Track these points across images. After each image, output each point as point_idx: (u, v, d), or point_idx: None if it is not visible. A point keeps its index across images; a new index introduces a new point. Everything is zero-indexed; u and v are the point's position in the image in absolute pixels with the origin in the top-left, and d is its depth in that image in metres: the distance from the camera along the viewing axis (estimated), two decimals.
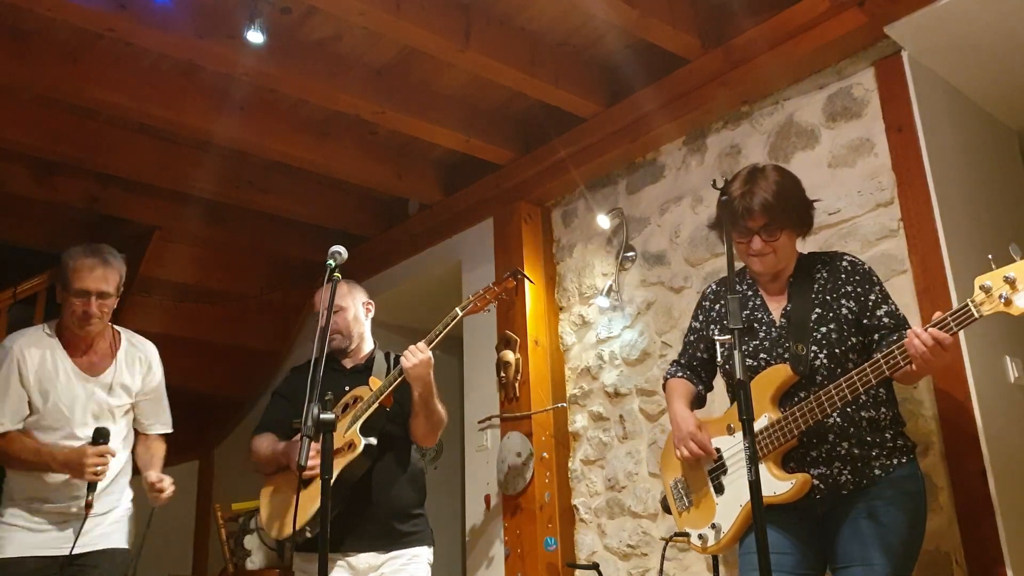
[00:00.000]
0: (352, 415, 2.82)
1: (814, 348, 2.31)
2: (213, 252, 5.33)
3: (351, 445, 2.75)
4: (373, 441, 2.78)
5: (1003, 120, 3.50)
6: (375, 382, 2.90)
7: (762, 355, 2.36)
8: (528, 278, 3.05)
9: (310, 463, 2.65)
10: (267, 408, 3.11)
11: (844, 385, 2.19)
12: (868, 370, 2.16)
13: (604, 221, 4.04)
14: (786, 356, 2.32)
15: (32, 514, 2.70)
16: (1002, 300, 1.99)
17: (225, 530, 4.82)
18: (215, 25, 3.31)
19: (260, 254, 5.46)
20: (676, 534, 2.55)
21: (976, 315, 2.03)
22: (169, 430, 3.04)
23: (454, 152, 4.38)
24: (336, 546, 2.77)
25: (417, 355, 2.78)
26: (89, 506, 2.63)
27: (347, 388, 2.95)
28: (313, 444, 2.67)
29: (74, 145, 4.12)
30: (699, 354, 2.62)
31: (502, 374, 4.13)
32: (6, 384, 2.71)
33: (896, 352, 2.13)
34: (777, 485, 2.24)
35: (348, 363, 3.08)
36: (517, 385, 4.07)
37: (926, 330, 2.06)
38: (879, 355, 2.17)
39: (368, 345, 3.14)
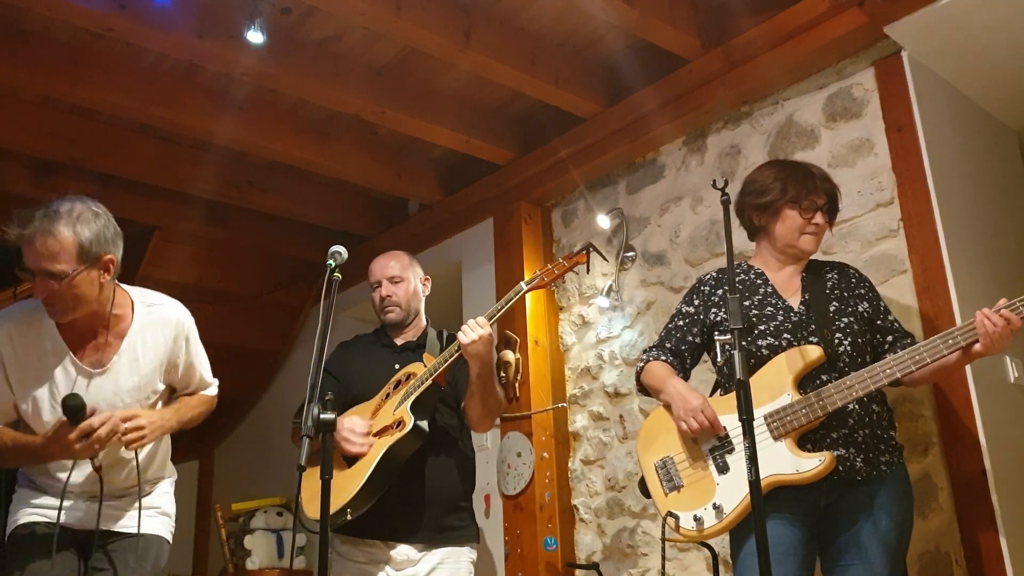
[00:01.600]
0: (404, 392, 2.69)
1: (838, 335, 2.35)
2: (213, 252, 5.32)
3: (400, 423, 2.61)
4: (425, 425, 2.63)
5: (1003, 120, 3.50)
6: (429, 359, 2.76)
7: (785, 335, 2.36)
8: (601, 254, 2.89)
9: (358, 442, 2.62)
10: None
11: (893, 363, 2.22)
12: (923, 349, 2.20)
13: (604, 221, 4.04)
14: (812, 339, 2.33)
15: (48, 494, 2.31)
16: None
17: (225, 530, 4.82)
18: (215, 25, 3.31)
19: (260, 254, 5.46)
20: (669, 514, 2.38)
21: None
22: (211, 388, 2.61)
23: (454, 152, 4.38)
24: (377, 532, 2.66)
25: (476, 330, 2.60)
26: (98, 469, 2.19)
27: (396, 366, 2.82)
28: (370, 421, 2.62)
29: (74, 145, 4.12)
30: (690, 338, 2.55)
31: (502, 374, 4.13)
32: None
33: (957, 333, 2.18)
34: (801, 463, 2.21)
35: (399, 340, 2.95)
36: (517, 385, 4.07)
37: (995, 312, 2.15)
38: (936, 337, 2.21)
39: (422, 322, 3.03)
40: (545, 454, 3.95)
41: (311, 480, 2.69)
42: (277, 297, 5.55)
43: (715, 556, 3.06)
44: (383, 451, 2.58)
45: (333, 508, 2.42)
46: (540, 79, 3.65)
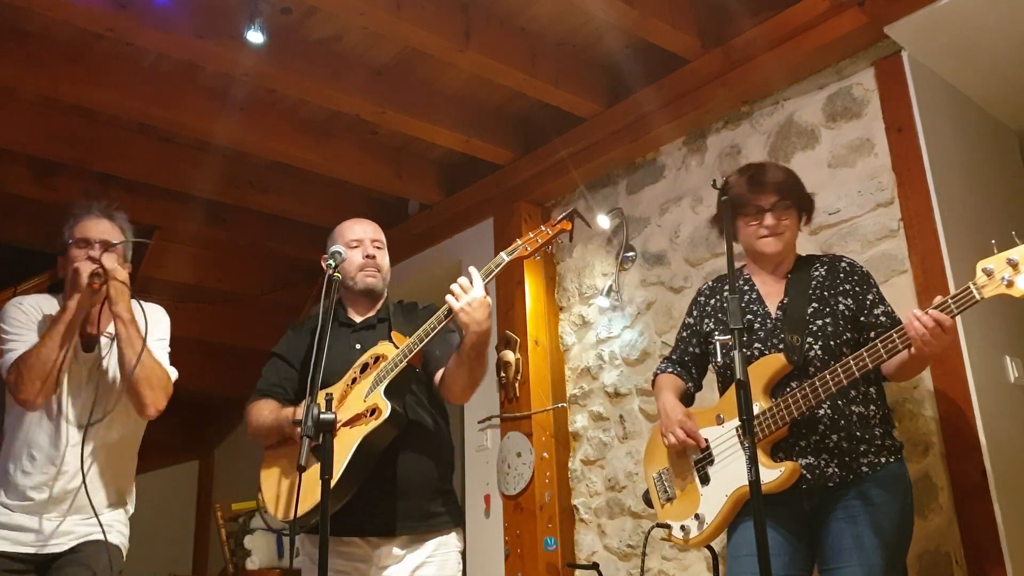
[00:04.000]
0: (374, 376, 2.46)
1: (809, 339, 2.32)
2: (213, 252, 5.33)
3: (374, 411, 2.39)
4: (402, 410, 2.43)
5: (1003, 120, 3.50)
6: (400, 338, 2.52)
7: (756, 345, 2.36)
8: (586, 220, 2.68)
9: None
10: (266, 370, 2.71)
11: (840, 370, 2.19)
12: (865, 355, 2.17)
13: (604, 221, 4.05)
14: (780, 346, 2.33)
15: (9, 508, 2.42)
16: (1004, 282, 1.99)
17: (225, 530, 4.82)
18: (215, 25, 3.31)
19: (260, 254, 5.46)
20: (657, 524, 2.49)
21: (977, 297, 2.03)
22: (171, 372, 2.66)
23: (454, 152, 4.38)
24: (355, 529, 2.43)
25: (472, 293, 2.37)
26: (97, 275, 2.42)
27: (358, 346, 2.59)
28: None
29: (74, 145, 4.12)
30: (692, 349, 2.61)
31: (502, 374, 4.13)
32: (24, 328, 2.50)
33: (895, 335, 2.13)
34: (765, 473, 2.22)
35: (358, 317, 2.69)
36: (517, 385, 4.07)
37: (926, 312, 2.07)
38: (877, 341, 2.17)
39: (384, 297, 2.78)
40: (545, 454, 3.95)
41: (272, 476, 2.56)
42: (277, 297, 5.56)
43: (715, 556, 3.06)
44: (358, 442, 2.36)
45: (305, 508, 2.30)
46: (540, 79, 3.65)
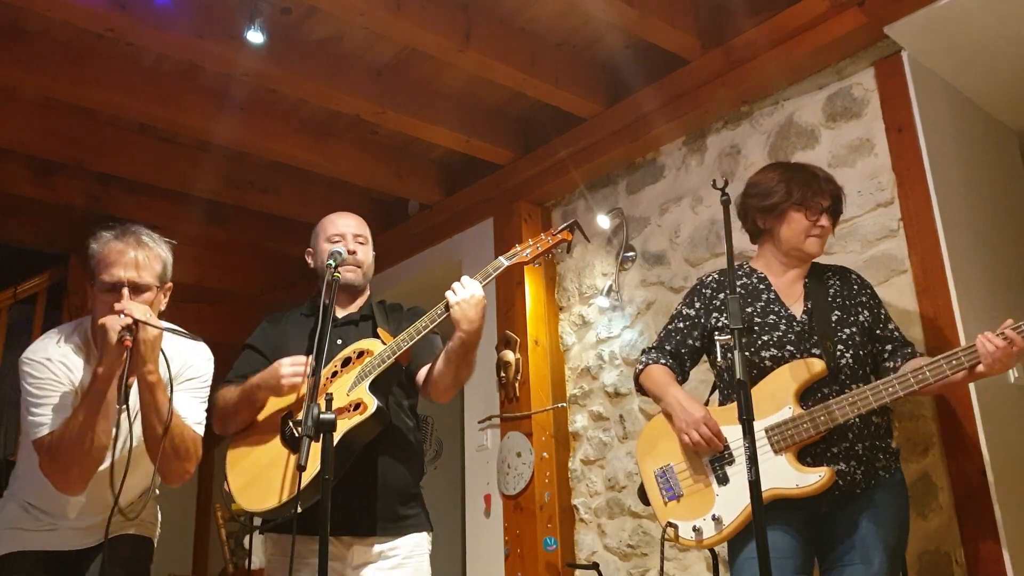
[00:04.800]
0: (358, 371, 2.44)
1: (840, 347, 2.34)
2: (213, 252, 5.33)
3: (358, 406, 2.36)
4: (385, 408, 2.39)
5: (1003, 120, 3.50)
6: (386, 335, 2.51)
7: (788, 347, 2.34)
8: (585, 235, 2.72)
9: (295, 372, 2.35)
10: (239, 362, 2.67)
11: (895, 382, 2.21)
12: (926, 369, 2.19)
13: (604, 221, 4.05)
14: (815, 351, 2.32)
15: (34, 519, 2.31)
16: None
17: (225, 530, 4.82)
18: (215, 25, 3.32)
19: (260, 254, 5.46)
20: (669, 524, 2.38)
21: None
22: (198, 428, 2.37)
23: (454, 152, 4.39)
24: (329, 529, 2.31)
25: (469, 288, 2.40)
26: (129, 331, 2.10)
27: (339, 341, 2.55)
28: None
29: (74, 145, 4.12)
30: (691, 342, 2.52)
31: (502, 374, 4.13)
32: (51, 389, 2.22)
33: (960, 354, 2.19)
34: (801, 477, 2.22)
35: (341, 312, 2.64)
36: (517, 385, 4.07)
37: (999, 334, 2.15)
38: (940, 357, 2.21)
39: (367, 294, 2.75)
40: (545, 454, 3.95)
41: (238, 463, 2.52)
42: (277, 297, 5.55)
43: (715, 556, 3.06)
44: (339, 437, 2.27)
45: (280, 501, 2.29)
46: (540, 79, 3.65)
